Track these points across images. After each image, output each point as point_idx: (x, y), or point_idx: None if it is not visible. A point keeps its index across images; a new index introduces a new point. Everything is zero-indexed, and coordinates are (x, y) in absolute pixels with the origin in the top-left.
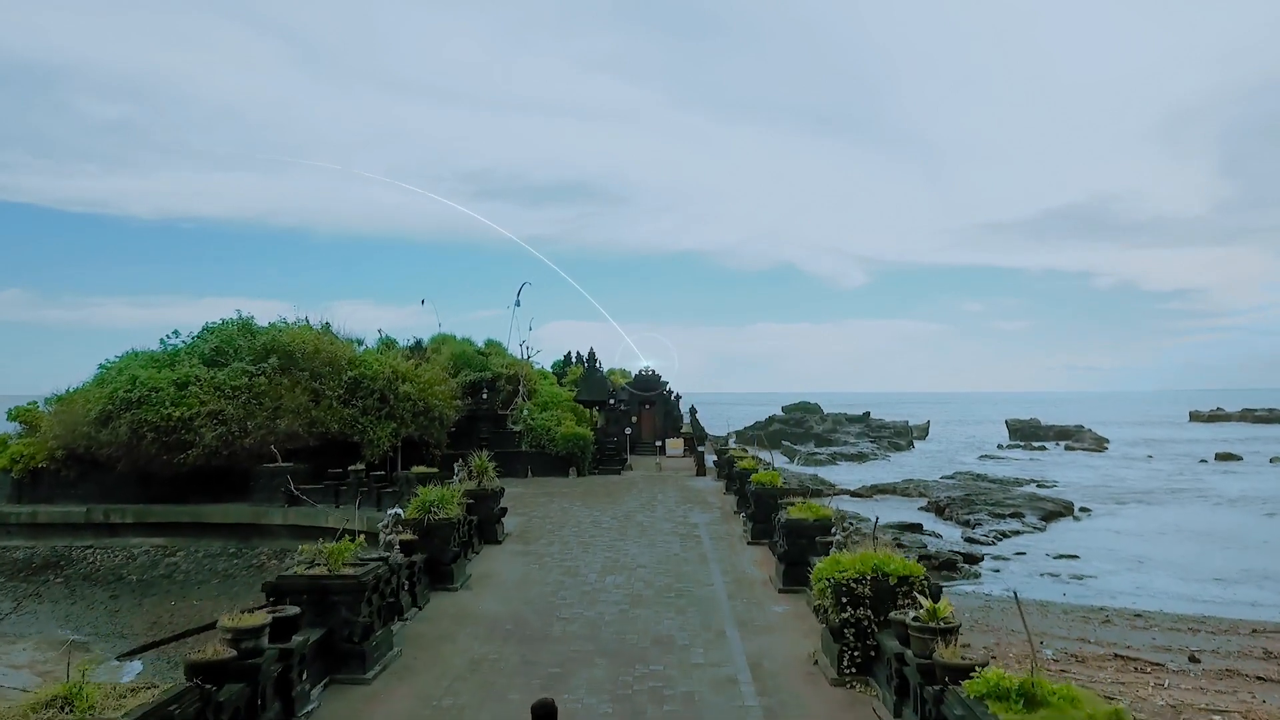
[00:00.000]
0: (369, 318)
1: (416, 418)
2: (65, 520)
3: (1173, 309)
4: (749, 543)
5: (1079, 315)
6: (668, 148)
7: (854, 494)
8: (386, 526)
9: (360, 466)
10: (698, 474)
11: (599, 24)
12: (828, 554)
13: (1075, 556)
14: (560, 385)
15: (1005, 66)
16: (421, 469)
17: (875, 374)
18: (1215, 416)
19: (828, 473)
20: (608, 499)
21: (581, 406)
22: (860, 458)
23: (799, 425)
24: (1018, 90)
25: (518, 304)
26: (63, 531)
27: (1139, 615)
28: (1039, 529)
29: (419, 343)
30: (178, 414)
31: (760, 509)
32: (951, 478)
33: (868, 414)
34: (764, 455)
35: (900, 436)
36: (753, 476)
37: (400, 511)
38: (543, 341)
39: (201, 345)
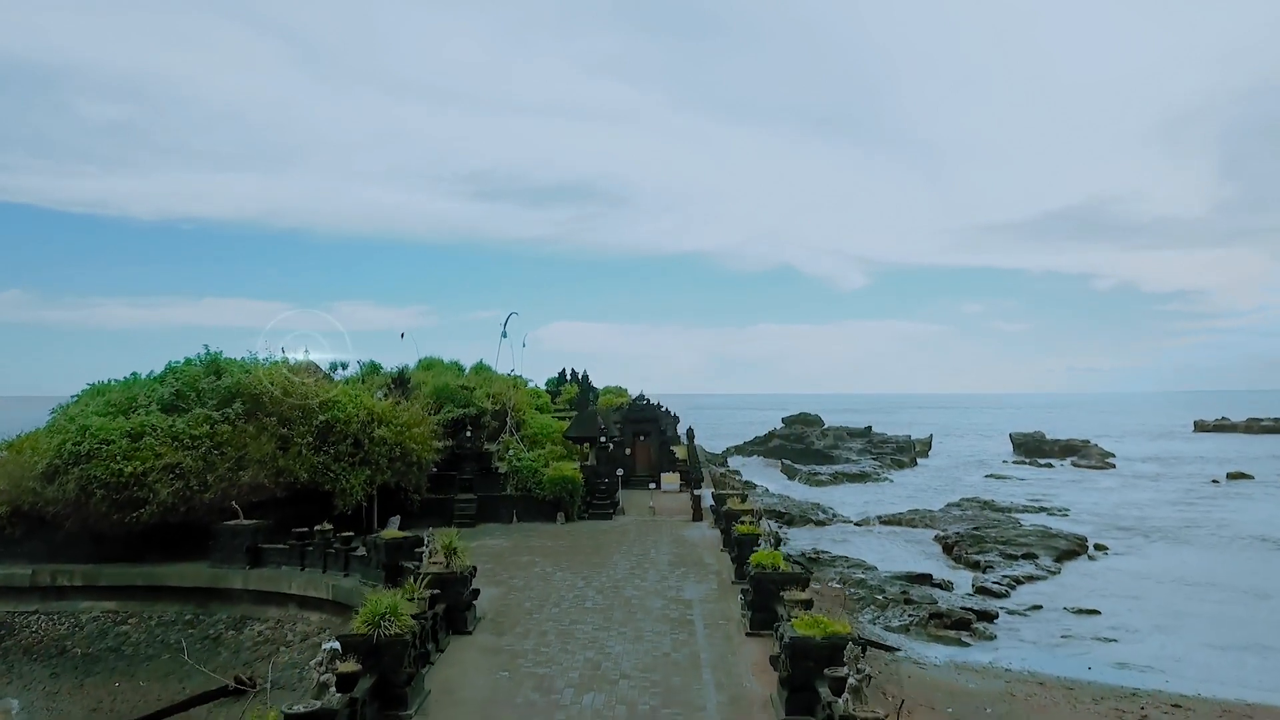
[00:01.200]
0: (369, 318)
1: (393, 463)
2: (8, 583)
3: (1173, 310)
4: (748, 633)
5: (1079, 316)
6: (668, 148)
7: (857, 525)
8: (320, 664)
9: (328, 526)
10: (694, 518)
11: (599, 25)
12: (840, 692)
13: (1097, 612)
14: (555, 403)
15: (1005, 67)
16: (394, 534)
17: (875, 375)
18: (1220, 426)
19: (830, 495)
20: (595, 557)
21: (572, 443)
22: (862, 477)
23: (799, 440)
24: (1017, 91)
25: (504, 335)
26: (6, 595)
27: (1177, 706)
28: (1053, 571)
29: (402, 373)
30: (130, 469)
31: (760, 595)
32: (958, 505)
33: (869, 428)
34: (763, 484)
35: (903, 453)
36: (752, 558)
37: (337, 646)
38: (544, 342)
39: (161, 390)
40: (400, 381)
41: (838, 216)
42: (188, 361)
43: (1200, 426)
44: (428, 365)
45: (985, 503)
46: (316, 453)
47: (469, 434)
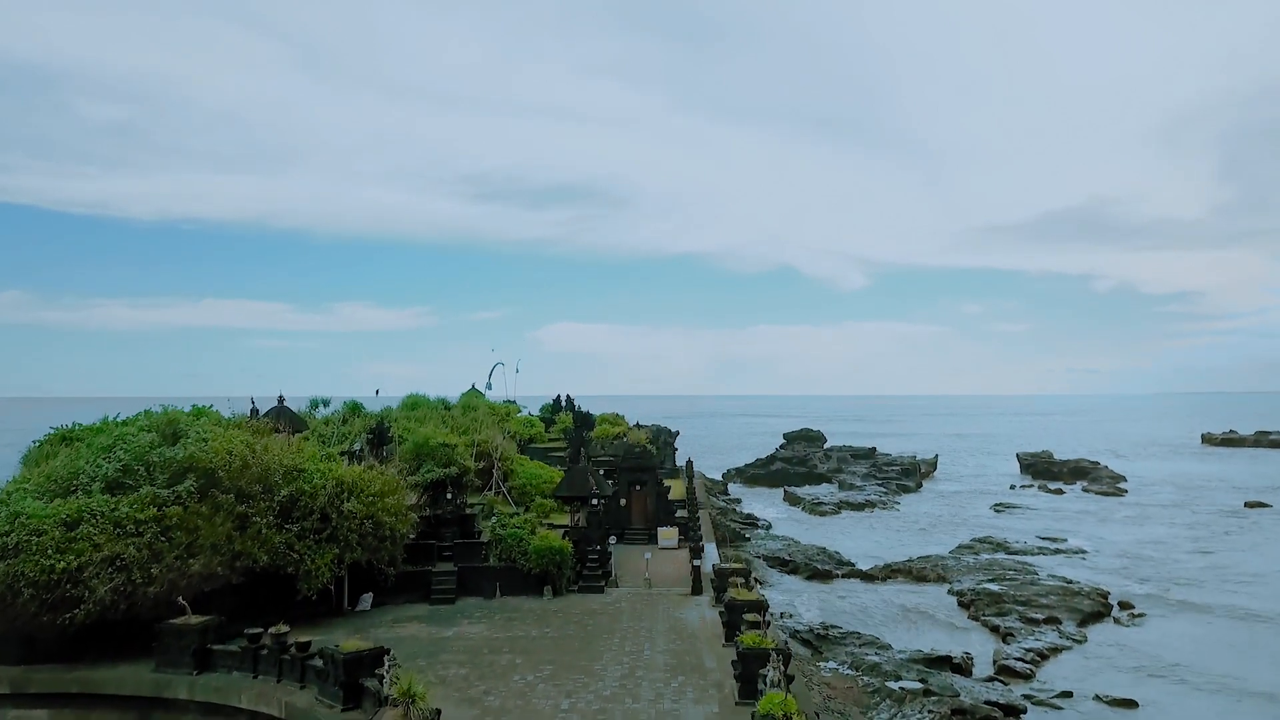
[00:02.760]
0: (369, 318)
1: (364, 539)
2: None
3: (1172, 311)
4: None
5: (1079, 317)
6: (668, 150)
7: (866, 576)
8: None
9: (284, 629)
10: (693, 591)
11: (600, 29)
12: None
13: (1133, 705)
14: (549, 432)
15: (1006, 70)
16: (352, 647)
17: (875, 376)
18: (1228, 440)
19: (835, 530)
20: (583, 657)
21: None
22: (868, 506)
23: (802, 463)
24: (1018, 93)
25: (489, 386)
26: None
27: None
28: (1078, 640)
29: (381, 423)
30: (63, 565)
31: None
32: (970, 548)
33: (874, 449)
34: (766, 514)
35: (908, 476)
36: (760, 705)
37: None
38: (545, 343)
39: (106, 466)
40: (378, 434)
41: (838, 218)
42: (139, 427)
43: (1208, 440)
44: (412, 405)
45: (998, 544)
46: (278, 531)
47: (450, 496)
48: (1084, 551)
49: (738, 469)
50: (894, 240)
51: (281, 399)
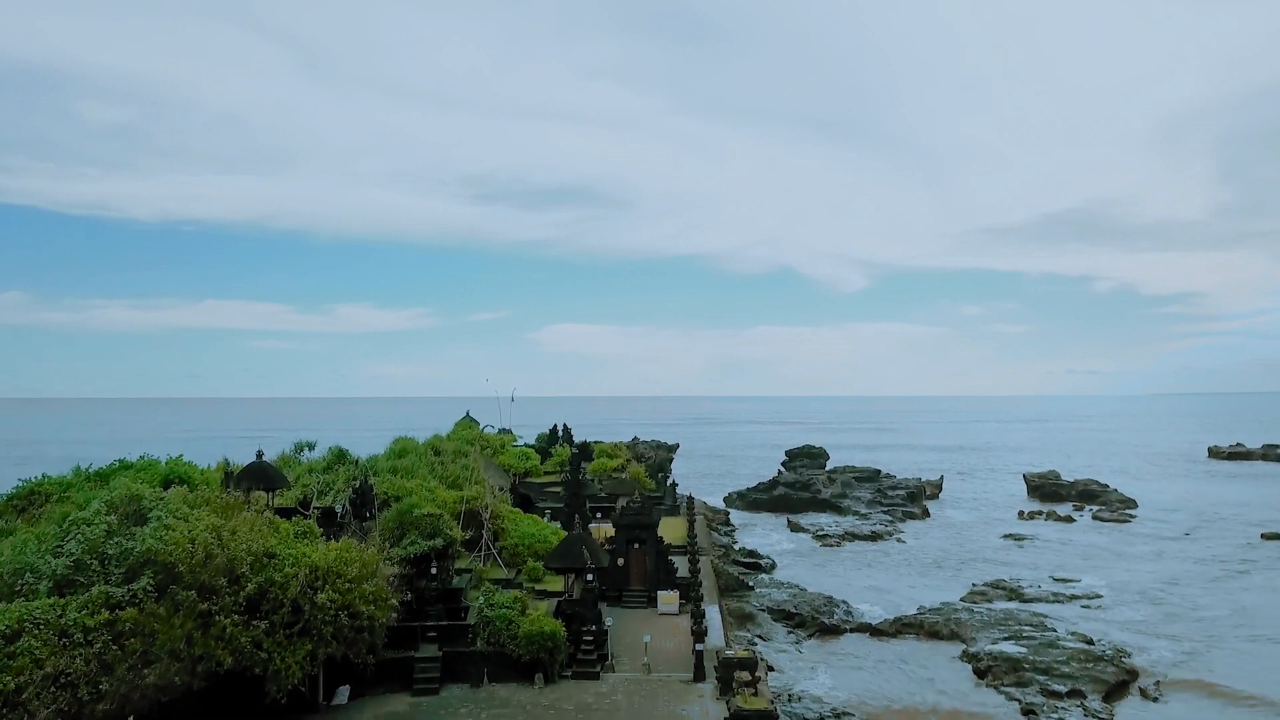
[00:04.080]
0: (370, 320)
1: (340, 632)
2: None
3: (1172, 313)
4: None
5: (1078, 319)
6: (668, 152)
7: (876, 631)
8: None
9: None
10: (695, 678)
11: (600, 30)
12: None
13: None
14: (544, 465)
15: (1005, 72)
16: None
17: (875, 378)
18: (1235, 454)
19: (841, 566)
20: None
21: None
22: (874, 538)
23: (805, 487)
24: (1017, 95)
25: (491, 427)
26: None
27: None
28: (1103, 718)
29: (364, 483)
30: None
31: None
32: (983, 593)
33: (878, 472)
34: (770, 549)
35: (913, 501)
36: None
37: None
38: (544, 345)
39: (55, 563)
40: (361, 494)
41: (838, 219)
42: (97, 511)
43: (1214, 453)
44: (399, 452)
45: (1011, 589)
46: (245, 628)
47: (434, 573)
48: (1100, 596)
49: (739, 493)
50: (894, 242)
51: (260, 454)
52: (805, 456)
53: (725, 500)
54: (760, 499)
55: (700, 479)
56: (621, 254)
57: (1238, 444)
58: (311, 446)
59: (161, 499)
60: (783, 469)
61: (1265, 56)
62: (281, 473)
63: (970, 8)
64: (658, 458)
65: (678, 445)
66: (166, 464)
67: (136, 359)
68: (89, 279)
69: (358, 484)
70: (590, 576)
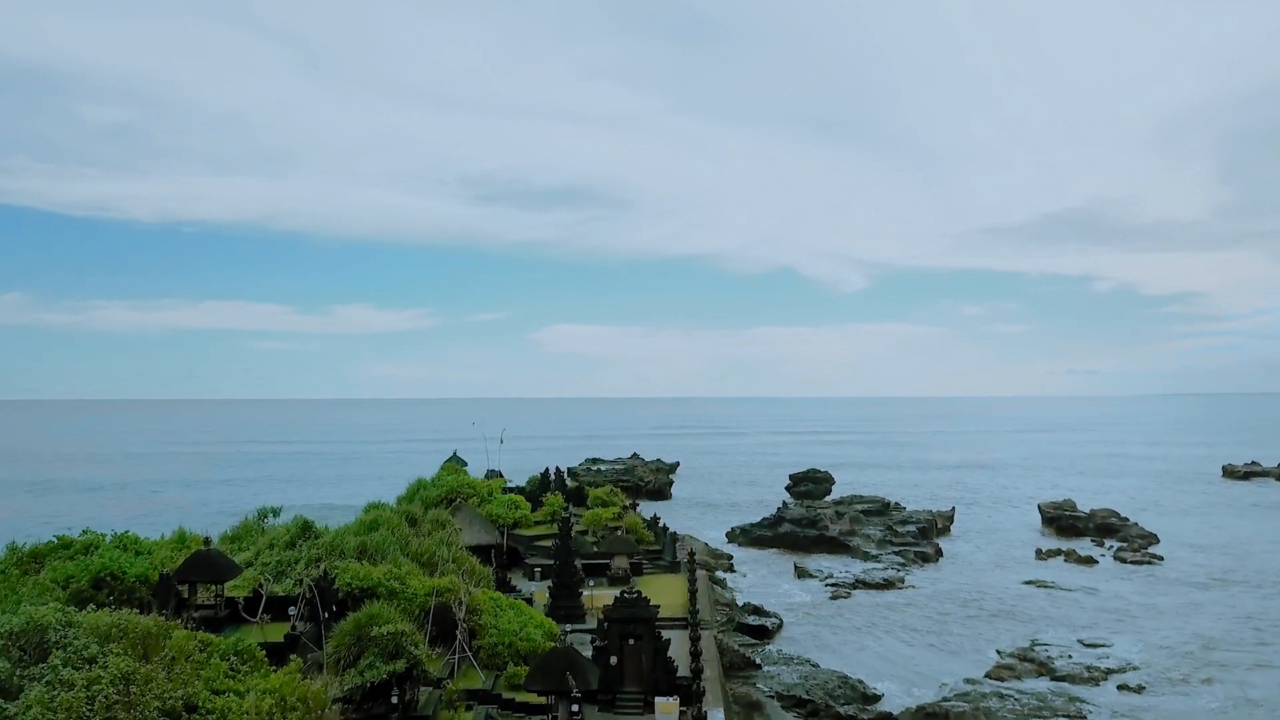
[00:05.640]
0: (370, 320)
1: None
2: None
3: (1172, 313)
4: None
5: (1078, 319)
6: (669, 152)
7: None
8: None
9: None
10: None
11: (600, 30)
12: None
13: None
14: (534, 514)
15: (1005, 71)
16: None
17: (876, 378)
18: (1251, 473)
19: (853, 628)
20: None
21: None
22: (886, 585)
23: (812, 524)
24: (1017, 95)
25: (491, 472)
26: None
27: None
28: None
29: (324, 578)
30: None
31: None
32: (1010, 668)
33: (887, 505)
34: (778, 602)
35: (924, 537)
36: None
37: None
38: (544, 345)
39: None
40: (322, 591)
41: (838, 220)
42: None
43: (1229, 472)
44: (371, 524)
45: (1040, 663)
46: None
47: (395, 701)
48: (1136, 668)
49: (743, 529)
50: (894, 242)
51: (207, 541)
52: (809, 481)
53: (728, 536)
54: (765, 536)
55: (701, 512)
56: (622, 254)
57: (1252, 462)
58: (276, 513)
59: (71, 625)
60: (787, 493)
61: (1265, 56)
62: (230, 561)
63: (970, 8)
64: (657, 481)
65: (677, 464)
66: (110, 543)
67: (137, 360)
68: (89, 280)
69: (318, 576)
70: (575, 709)
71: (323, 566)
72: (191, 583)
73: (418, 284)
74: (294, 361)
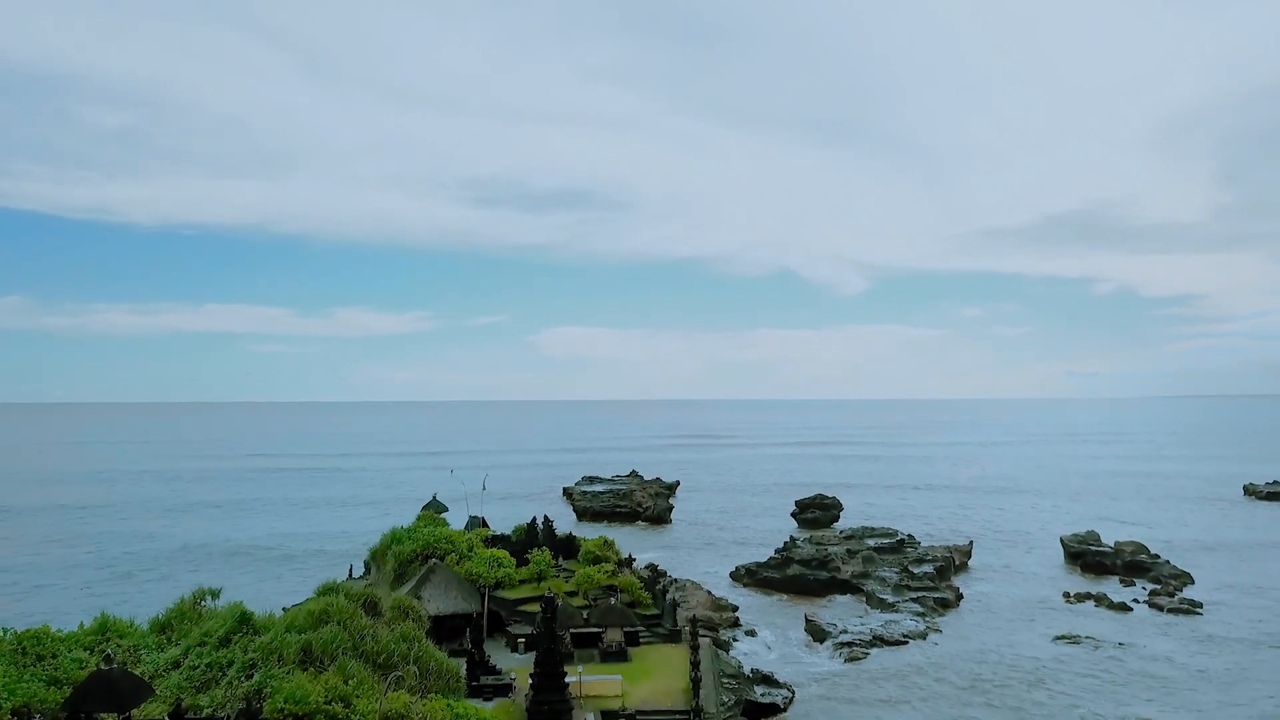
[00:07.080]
0: (369, 323)
1: None
2: None
3: (1173, 315)
4: None
5: (1079, 321)
6: (669, 154)
7: None
8: None
9: None
10: None
11: (600, 33)
12: None
13: None
14: (519, 569)
15: (1005, 73)
16: None
17: (876, 380)
18: (1274, 493)
19: (868, 702)
20: None
21: None
22: (904, 640)
23: (823, 565)
24: (1017, 97)
25: (473, 519)
26: None
27: None
28: None
29: (256, 698)
30: None
31: None
32: None
33: (902, 542)
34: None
35: (941, 577)
36: None
37: None
38: (544, 347)
39: None
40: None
41: (837, 221)
42: None
43: (1251, 492)
44: (321, 615)
45: None
46: None
47: None
48: None
49: (748, 569)
50: (894, 243)
51: (109, 658)
52: (817, 508)
53: (732, 575)
54: (772, 578)
55: (703, 545)
56: (621, 257)
57: (1274, 481)
58: (215, 594)
59: None
60: (793, 519)
61: (1265, 56)
62: (137, 681)
63: (970, 8)
64: (656, 507)
65: (678, 483)
66: (92, 627)
67: (138, 363)
68: (90, 283)
69: (249, 691)
70: None
71: (256, 677)
72: (88, 714)
73: (418, 287)
74: (294, 364)
